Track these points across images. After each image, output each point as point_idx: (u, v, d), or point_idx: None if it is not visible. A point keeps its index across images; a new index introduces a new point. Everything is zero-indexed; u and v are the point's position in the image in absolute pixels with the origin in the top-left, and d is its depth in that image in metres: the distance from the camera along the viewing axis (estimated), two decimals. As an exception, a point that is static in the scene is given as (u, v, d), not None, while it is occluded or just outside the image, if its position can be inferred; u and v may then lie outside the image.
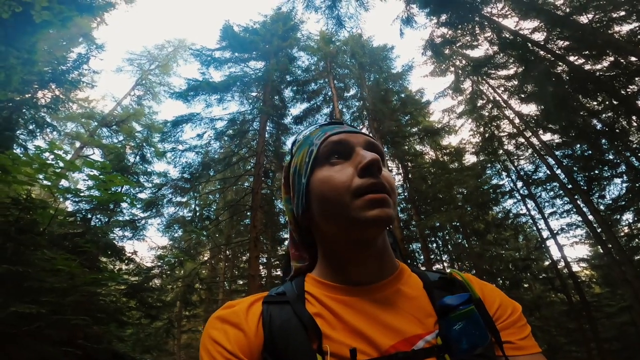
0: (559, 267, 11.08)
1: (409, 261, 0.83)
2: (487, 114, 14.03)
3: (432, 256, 13.55)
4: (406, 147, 14.01)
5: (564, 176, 10.50)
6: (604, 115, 9.03)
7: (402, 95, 14.35)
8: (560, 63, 8.34)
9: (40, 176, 5.45)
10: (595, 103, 8.92)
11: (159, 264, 9.54)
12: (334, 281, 0.60)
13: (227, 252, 14.73)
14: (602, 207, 9.92)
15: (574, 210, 10.63)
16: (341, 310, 0.55)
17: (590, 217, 9.45)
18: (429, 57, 12.32)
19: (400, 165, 14.61)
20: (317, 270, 0.65)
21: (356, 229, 0.55)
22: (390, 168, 13.54)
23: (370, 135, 0.68)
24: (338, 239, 0.59)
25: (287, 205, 0.71)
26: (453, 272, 0.64)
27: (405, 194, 14.18)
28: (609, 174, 9.89)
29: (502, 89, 13.01)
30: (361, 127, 14.27)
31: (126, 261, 8.19)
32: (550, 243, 11.48)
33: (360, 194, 0.54)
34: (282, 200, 0.75)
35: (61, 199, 8.39)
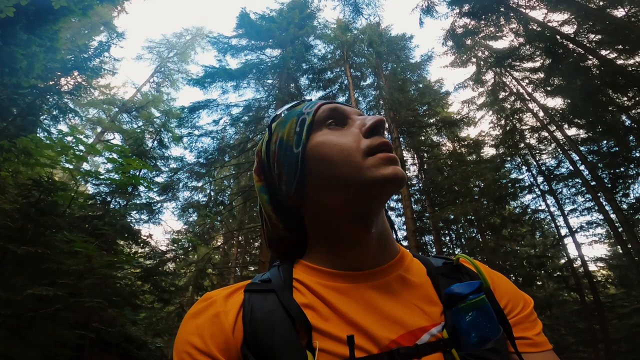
0: (574, 265, 10.80)
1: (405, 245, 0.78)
2: (509, 106, 13.55)
3: (445, 249, 13.42)
4: (422, 138, 13.75)
5: (587, 172, 10.13)
6: (633, 111, 8.59)
7: (420, 86, 14.04)
8: (590, 56, 7.97)
9: (62, 159, 5.67)
10: (625, 98, 8.50)
11: (173, 248, 9.83)
12: (328, 267, 0.54)
13: (240, 237, 15.00)
14: (624, 206, 9.54)
15: (596, 208, 10.27)
16: (335, 299, 0.49)
17: (613, 216, 9.16)
18: (449, 47, 11.94)
19: (415, 156, 14.41)
20: (309, 255, 0.59)
21: (371, 190, 0.50)
22: (405, 158, 13.36)
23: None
24: (340, 214, 0.53)
25: (262, 196, 0.63)
26: (461, 258, 0.58)
27: (420, 185, 14.00)
28: (635, 172, 9.47)
29: (527, 81, 12.52)
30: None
31: (142, 244, 8.47)
32: (568, 241, 11.15)
33: (372, 153, 0.51)
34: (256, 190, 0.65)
35: (82, 182, 8.73)
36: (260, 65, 12.07)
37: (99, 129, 14.43)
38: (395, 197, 14.15)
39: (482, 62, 14.07)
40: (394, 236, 0.66)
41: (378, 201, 0.52)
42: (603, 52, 7.91)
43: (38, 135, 7.24)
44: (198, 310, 0.50)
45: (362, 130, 0.54)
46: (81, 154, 5.83)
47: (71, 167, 6.26)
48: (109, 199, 8.90)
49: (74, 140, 5.50)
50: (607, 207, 9.38)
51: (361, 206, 0.52)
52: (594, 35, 7.96)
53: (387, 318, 0.47)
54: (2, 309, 2.81)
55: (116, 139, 13.50)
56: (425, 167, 13.80)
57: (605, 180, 9.71)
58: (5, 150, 5.39)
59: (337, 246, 0.55)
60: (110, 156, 6.17)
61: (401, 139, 12.40)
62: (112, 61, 11.94)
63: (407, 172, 12.30)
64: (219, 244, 14.00)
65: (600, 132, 9.54)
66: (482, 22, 9.41)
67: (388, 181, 0.50)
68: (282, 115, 0.65)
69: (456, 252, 13.91)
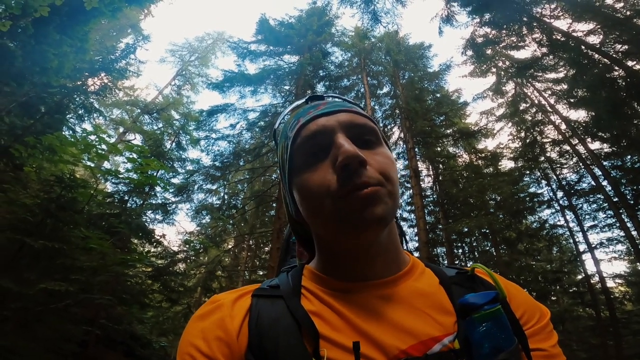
0: (592, 281, 10.50)
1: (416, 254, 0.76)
2: (530, 118, 13.25)
3: (457, 262, 13.12)
4: (439, 149, 13.56)
5: (610, 188, 9.78)
6: (659, 125, 8.27)
7: (438, 95, 13.91)
8: (616, 67, 7.73)
9: (85, 157, 5.86)
10: (652, 111, 8.18)
11: (185, 248, 9.98)
12: (335, 276, 0.53)
13: (251, 242, 15.09)
14: (646, 223, 9.17)
15: (617, 224, 9.91)
16: (344, 308, 0.48)
17: (634, 233, 8.86)
18: (468, 57, 11.80)
19: (431, 167, 14.22)
20: (316, 262, 0.58)
21: (346, 235, 0.48)
22: (420, 169, 13.20)
23: (355, 106, 0.59)
24: (334, 241, 0.52)
25: (286, 197, 0.63)
26: (477, 267, 0.57)
27: (434, 197, 13.80)
28: (660, 188, 9.11)
29: (549, 92, 12.25)
30: (392, 125, 13.97)
31: (154, 244, 8.63)
32: (587, 257, 10.85)
33: (341, 195, 0.47)
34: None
35: (102, 180, 9.00)
36: (278, 71, 12.25)
37: (121, 129, 14.89)
38: (408, 207, 14.01)
39: (502, 72, 13.83)
40: (404, 245, 0.64)
41: (361, 241, 0.49)
42: (630, 63, 7.66)
43: (63, 133, 7.52)
44: (205, 312, 0.50)
45: (334, 165, 0.48)
46: (103, 152, 6.04)
47: (92, 165, 6.47)
48: (126, 197, 9.14)
49: (97, 139, 5.70)
50: (628, 224, 9.09)
51: (349, 243, 0.50)
52: (620, 46, 7.74)
53: (397, 327, 0.46)
54: (13, 302, 2.89)
55: (137, 139, 13.89)
56: (441, 178, 13.62)
57: (628, 197, 9.37)
58: (30, 146, 5.63)
59: (341, 260, 0.54)
60: (130, 156, 6.36)
61: (416, 150, 12.28)
62: (137, 63, 12.28)
63: (421, 182, 12.17)
64: (229, 246, 14.11)
65: (624, 146, 9.21)
66: (504, 31, 9.25)
67: (360, 228, 0.46)
68: (281, 126, 0.64)
69: (469, 265, 13.54)
